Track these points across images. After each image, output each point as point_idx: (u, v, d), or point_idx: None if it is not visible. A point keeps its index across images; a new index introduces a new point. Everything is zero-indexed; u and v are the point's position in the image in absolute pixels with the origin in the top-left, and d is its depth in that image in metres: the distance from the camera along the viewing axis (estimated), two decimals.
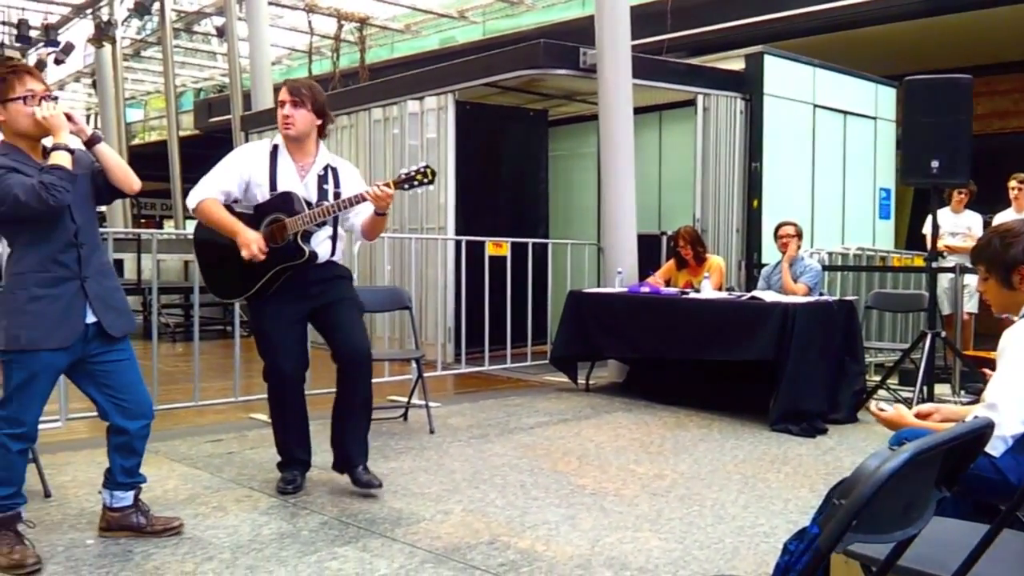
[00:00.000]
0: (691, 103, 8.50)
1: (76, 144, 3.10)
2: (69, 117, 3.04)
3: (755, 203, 8.43)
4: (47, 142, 3.08)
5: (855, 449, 4.92)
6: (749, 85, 8.50)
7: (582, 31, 8.70)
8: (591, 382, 6.87)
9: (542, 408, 6.08)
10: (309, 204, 3.75)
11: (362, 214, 3.86)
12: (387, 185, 3.69)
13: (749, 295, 6.07)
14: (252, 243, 3.65)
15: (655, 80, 8.11)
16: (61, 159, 2.97)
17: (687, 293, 6.37)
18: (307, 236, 3.76)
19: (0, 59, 2.81)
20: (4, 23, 14.11)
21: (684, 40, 11.14)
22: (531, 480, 4.18)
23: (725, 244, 8.41)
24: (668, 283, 6.81)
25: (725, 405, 5.90)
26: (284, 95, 3.79)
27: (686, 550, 3.26)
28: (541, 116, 9.35)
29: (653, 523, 3.56)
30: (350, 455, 3.91)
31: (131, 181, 3.20)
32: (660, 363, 6.57)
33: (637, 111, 7.42)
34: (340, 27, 15.75)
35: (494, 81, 8.25)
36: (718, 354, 5.84)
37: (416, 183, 3.74)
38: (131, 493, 3.33)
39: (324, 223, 3.77)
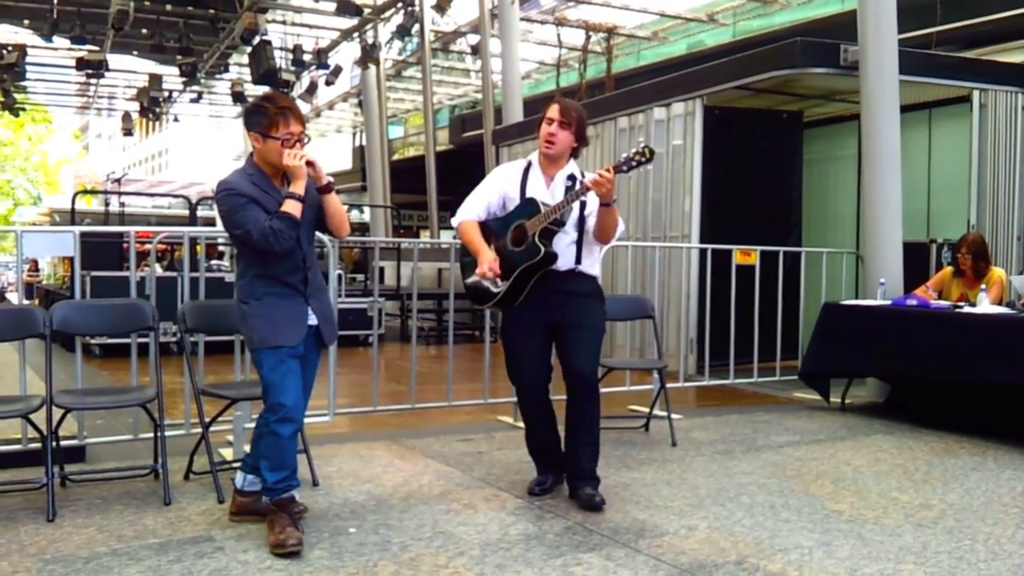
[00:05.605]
0: (965, 100, 7.89)
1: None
2: (311, 164, 3.36)
3: None
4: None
5: None
6: None
7: (839, 28, 8.27)
8: (847, 401, 6.44)
9: (792, 426, 5.79)
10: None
11: (594, 214, 3.84)
12: (607, 171, 3.64)
13: None
14: (484, 263, 3.81)
15: (925, 76, 7.60)
16: (293, 208, 3.31)
17: (960, 307, 5.82)
18: (547, 236, 3.80)
19: (271, 96, 3.22)
20: (282, 48, 15.56)
21: (956, 32, 10.26)
22: (781, 501, 3.99)
23: (1004, 253, 7.70)
24: (940, 295, 6.27)
25: (1002, 432, 5.35)
26: (554, 113, 3.83)
27: None
28: (795, 118, 8.94)
29: (918, 556, 3.28)
30: (573, 472, 3.93)
31: (344, 229, 3.56)
32: (927, 384, 6.06)
33: (903, 109, 6.95)
34: (588, 38, 15.95)
35: (746, 83, 8.02)
36: (996, 376, 5.28)
37: (635, 163, 3.66)
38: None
39: (561, 222, 3.79)
